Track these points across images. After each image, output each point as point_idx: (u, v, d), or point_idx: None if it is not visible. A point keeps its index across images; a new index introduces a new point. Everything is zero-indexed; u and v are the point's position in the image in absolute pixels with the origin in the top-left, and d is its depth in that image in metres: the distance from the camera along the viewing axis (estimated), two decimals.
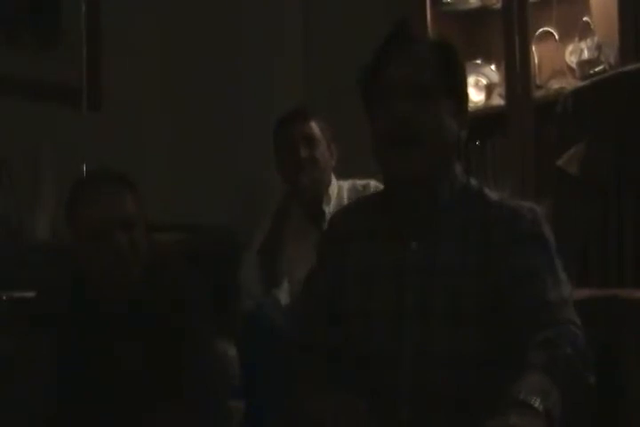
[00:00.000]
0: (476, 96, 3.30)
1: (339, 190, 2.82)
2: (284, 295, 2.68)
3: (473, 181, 1.70)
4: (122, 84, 3.59)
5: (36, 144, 3.31)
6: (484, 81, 3.37)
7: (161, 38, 3.78)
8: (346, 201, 2.77)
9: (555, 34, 3.21)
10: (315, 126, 2.81)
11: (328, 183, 2.81)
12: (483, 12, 3.41)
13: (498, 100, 3.31)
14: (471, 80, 3.34)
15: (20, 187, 3.21)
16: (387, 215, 1.69)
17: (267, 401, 2.32)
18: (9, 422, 1.91)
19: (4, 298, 2.68)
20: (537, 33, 3.22)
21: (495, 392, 1.42)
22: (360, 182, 2.82)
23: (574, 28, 3.14)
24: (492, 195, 1.67)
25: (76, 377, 1.95)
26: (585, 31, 3.12)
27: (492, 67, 3.39)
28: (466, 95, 1.73)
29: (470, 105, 3.24)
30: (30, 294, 2.24)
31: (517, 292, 1.55)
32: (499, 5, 3.30)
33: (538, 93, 3.18)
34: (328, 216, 2.74)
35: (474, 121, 1.78)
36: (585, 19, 3.12)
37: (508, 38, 3.19)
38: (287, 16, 3.79)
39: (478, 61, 3.40)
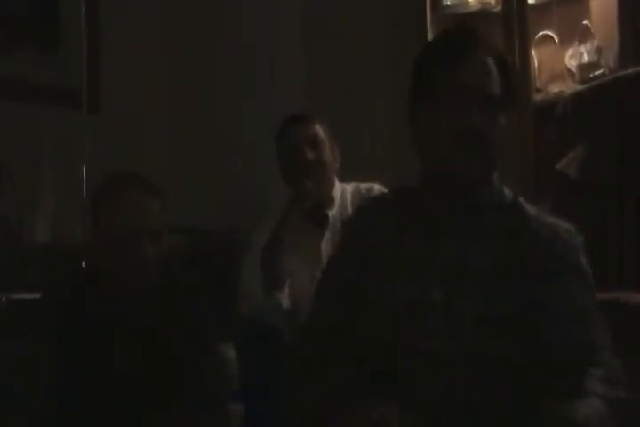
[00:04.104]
0: None
1: (342, 194, 2.81)
2: (284, 298, 2.68)
3: (506, 190, 1.70)
4: (122, 86, 3.59)
5: (37, 146, 3.31)
6: None
7: (160, 40, 3.78)
8: (349, 205, 2.76)
9: (554, 37, 3.21)
10: (319, 129, 2.80)
11: (331, 186, 2.81)
12: (483, 15, 3.42)
13: None
14: None
15: (21, 188, 3.21)
16: (419, 211, 1.68)
17: (267, 404, 2.32)
18: (9, 422, 1.92)
19: (4, 300, 2.67)
20: (537, 36, 3.23)
21: (513, 399, 1.44)
22: (364, 186, 2.81)
23: (574, 32, 3.15)
24: (528, 206, 1.67)
25: (77, 377, 1.95)
26: (585, 35, 3.12)
27: None
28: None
29: None
30: (30, 296, 2.24)
31: (564, 331, 1.53)
32: (498, 8, 3.31)
33: (537, 97, 3.18)
34: (331, 220, 2.74)
35: None
36: (585, 22, 3.12)
37: (507, 41, 3.19)
38: (287, 17, 3.80)
39: None
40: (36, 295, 2.17)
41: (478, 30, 1.70)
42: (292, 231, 2.75)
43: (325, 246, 2.72)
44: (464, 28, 1.73)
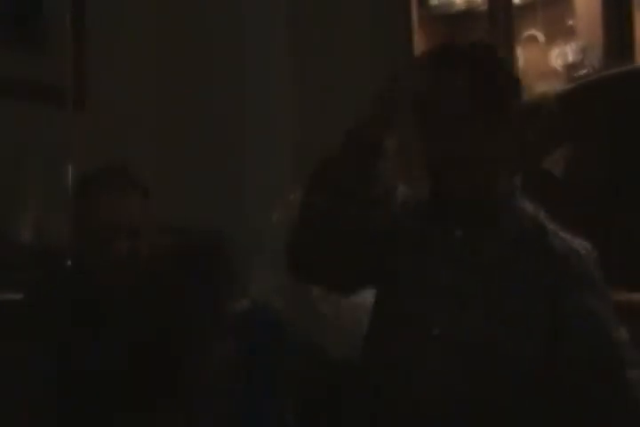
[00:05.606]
0: None
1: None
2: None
3: (528, 203, 1.67)
4: (107, 84, 3.57)
5: (21, 144, 3.29)
6: None
7: (148, 36, 3.75)
8: None
9: (540, 37, 3.23)
10: None
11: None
12: (468, 15, 3.43)
13: None
14: None
15: (6, 188, 3.19)
16: (437, 205, 1.65)
17: (266, 404, 2.33)
18: (8, 422, 1.91)
19: None
20: (522, 36, 3.24)
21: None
22: None
23: (559, 32, 3.16)
24: (548, 221, 1.65)
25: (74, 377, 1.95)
26: (570, 35, 3.14)
27: None
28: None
29: None
30: (16, 297, 2.23)
31: (588, 347, 1.55)
32: (484, 8, 3.32)
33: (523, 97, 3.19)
34: None
35: None
36: (570, 22, 3.14)
37: (493, 41, 3.20)
38: (272, 16, 3.78)
39: None
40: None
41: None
42: None
43: None
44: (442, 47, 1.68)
